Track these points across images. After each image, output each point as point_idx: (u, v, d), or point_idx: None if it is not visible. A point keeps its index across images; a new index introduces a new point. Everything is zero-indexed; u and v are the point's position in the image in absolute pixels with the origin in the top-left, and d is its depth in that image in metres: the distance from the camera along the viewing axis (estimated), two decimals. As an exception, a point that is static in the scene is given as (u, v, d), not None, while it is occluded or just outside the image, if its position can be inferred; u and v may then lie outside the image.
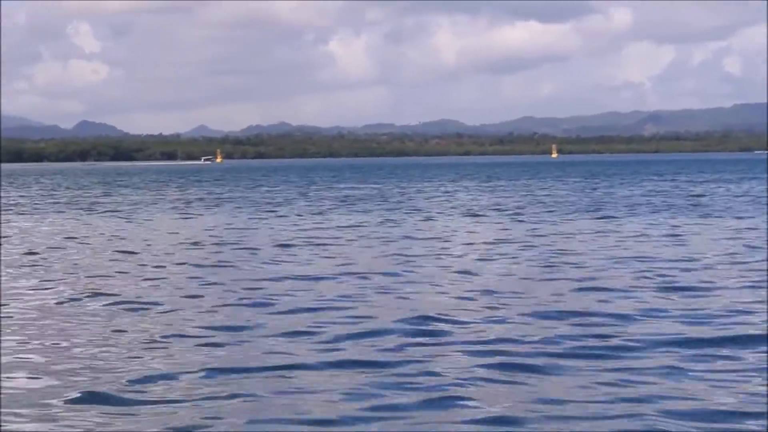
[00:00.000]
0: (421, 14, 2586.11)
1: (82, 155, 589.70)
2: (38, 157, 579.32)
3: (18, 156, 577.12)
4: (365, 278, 29.27)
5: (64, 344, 19.75)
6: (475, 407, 14.84)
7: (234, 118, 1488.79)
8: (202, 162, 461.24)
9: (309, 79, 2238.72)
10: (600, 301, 24.69)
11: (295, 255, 36.31)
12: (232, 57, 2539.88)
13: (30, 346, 19.49)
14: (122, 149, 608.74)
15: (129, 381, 16.26)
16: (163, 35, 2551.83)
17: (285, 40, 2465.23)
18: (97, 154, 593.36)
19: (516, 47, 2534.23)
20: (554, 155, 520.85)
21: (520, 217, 57.59)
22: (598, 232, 46.42)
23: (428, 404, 14.97)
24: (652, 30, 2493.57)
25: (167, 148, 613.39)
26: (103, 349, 19.11)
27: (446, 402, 15.15)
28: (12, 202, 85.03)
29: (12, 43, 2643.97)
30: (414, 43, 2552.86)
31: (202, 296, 25.86)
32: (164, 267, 33.08)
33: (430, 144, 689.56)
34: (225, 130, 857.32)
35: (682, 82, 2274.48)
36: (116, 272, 31.53)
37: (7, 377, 16.64)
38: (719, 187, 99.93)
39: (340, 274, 30.23)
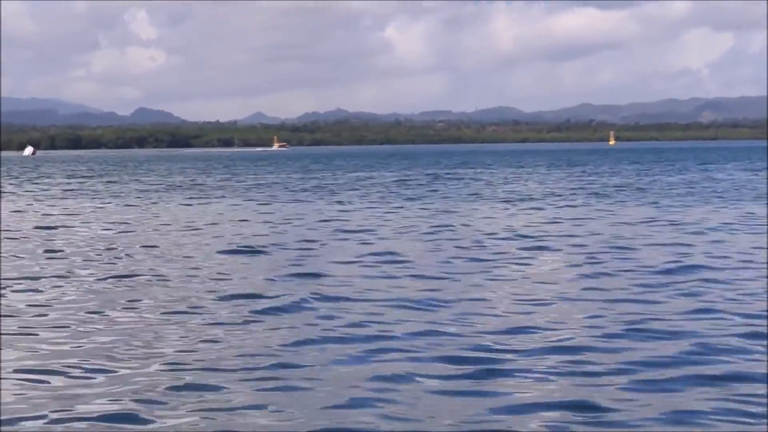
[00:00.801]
0: (479, 1, 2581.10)
1: (140, 142, 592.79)
2: (96, 143, 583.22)
3: (76, 143, 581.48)
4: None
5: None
6: None
7: (291, 105, 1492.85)
8: (276, 148, 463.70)
9: (366, 66, 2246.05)
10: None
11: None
12: (289, 44, 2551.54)
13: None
14: (179, 136, 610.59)
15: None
16: (220, 22, 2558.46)
17: (342, 27, 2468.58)
18: (154, 140, 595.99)
19: (574, 34, 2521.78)
20: (612, 142, 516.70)
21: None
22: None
23: None
24: (710, 16, 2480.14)
25: (224, 135, 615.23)
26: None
27: None
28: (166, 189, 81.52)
29: (71, 32, 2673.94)
30: (471, 30, 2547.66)
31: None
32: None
33: (487, 131, 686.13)
34: (282, 117, 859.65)
35: (740, 69, 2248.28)
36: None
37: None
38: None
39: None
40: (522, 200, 61.58)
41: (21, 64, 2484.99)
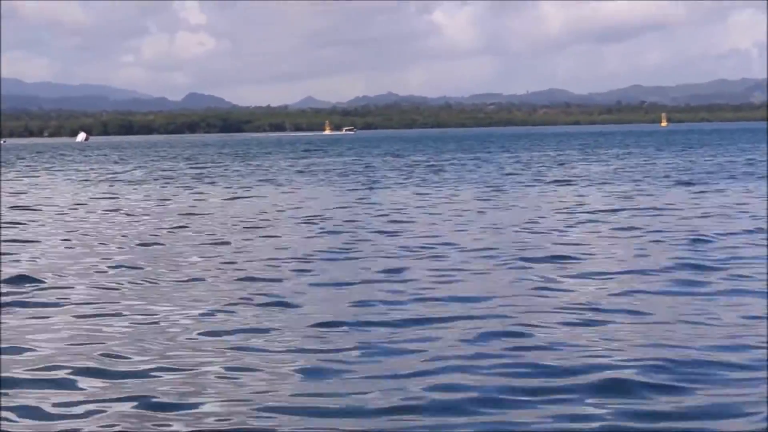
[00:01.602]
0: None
1: (191, 127, 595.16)
2: (148, 129, 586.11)
3: (128, 128, 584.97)
4: None
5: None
6: None
7: (341, 89, 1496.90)
8: (343, 132, 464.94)
9: (415, 49, 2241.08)
10: None
11: None
12: (338, 27, 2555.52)
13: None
14: (231, 121, 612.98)
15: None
16: (269, 6, 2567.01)
17: (390, 11, 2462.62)
18: (206, 126, 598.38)
19: (621, 15, 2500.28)
20: (664, 124, 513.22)
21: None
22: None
23: None
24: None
25: (275, 119, 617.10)
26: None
27: None
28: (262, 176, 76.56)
29: (119, 17, 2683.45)
30: (521, 12, 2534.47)
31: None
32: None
33: (538, 114, 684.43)
34: (332, 101, 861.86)
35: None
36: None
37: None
38: None
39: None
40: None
41: (70, 51, 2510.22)
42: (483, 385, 13.17)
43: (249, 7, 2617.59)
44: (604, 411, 12.15)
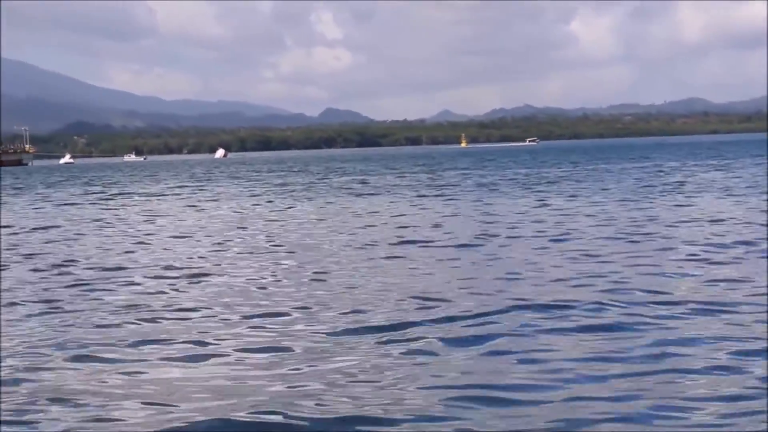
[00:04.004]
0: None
1: (328, 142, 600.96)
2: (285, 144, 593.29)
3: (266, 144, 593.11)
4: None
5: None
6: None
7: (477, 102, 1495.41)
8: (527, 143, 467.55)
9: (552, 59, 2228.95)
10: None
11: None
12: (474, 38, 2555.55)
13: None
14: (368, 135, 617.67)
15: None
16: (405, 19, 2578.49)
17: (527, 21, 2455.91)
18: (342, 140, 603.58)
19: (761, 21, 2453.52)
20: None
21: None
22: None
23: None
24: None
25: (411, 133, 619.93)
26: None
27: None
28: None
29: (257, 33, 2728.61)
30: (657, 20, 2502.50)
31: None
32: None
33: (676, 123, 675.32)
34: (469, 114, 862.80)
35: None
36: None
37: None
38: None
39: None
40: None
41: (208, 66, 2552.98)
42: None
43: (384, 20, 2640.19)
44: None
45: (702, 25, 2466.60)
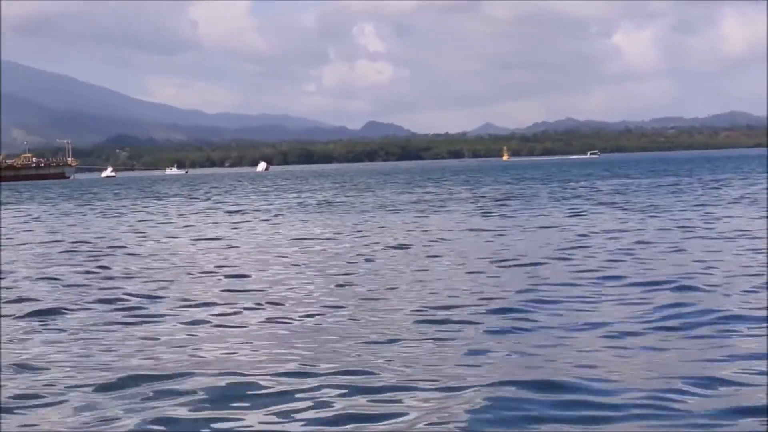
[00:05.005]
0: (707, 4, 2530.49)
1: (370, 155, 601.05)
2: (328, 158, 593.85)
3: (307, 157, 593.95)
4: None
5: None
6: None
7: (519, 116, 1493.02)
8: (588, 156, 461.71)
9: (594, 73, 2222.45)
10: None
11: None
12: (516, 52, 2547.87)
13: None
14: (409, 149, 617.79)
15: None
16: (447, 33, 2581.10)
17: (569, 34, 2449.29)
18: (384, 154, 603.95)
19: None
20: None
21: None
22: None
23: None
24: None
25: (453, 146, 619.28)
26: None
27: None
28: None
29: (300, 45, 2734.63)
30: (700, 34, 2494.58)
31: None
32: None
33: (720, 137, 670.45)
34: (511, 127, 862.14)
35: None
36: None
37: None
38: None
39: None
40: None
41: (251, 80, 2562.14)
42: None
43: (426, 34, 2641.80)
44: None
45: (744, 38, 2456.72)
